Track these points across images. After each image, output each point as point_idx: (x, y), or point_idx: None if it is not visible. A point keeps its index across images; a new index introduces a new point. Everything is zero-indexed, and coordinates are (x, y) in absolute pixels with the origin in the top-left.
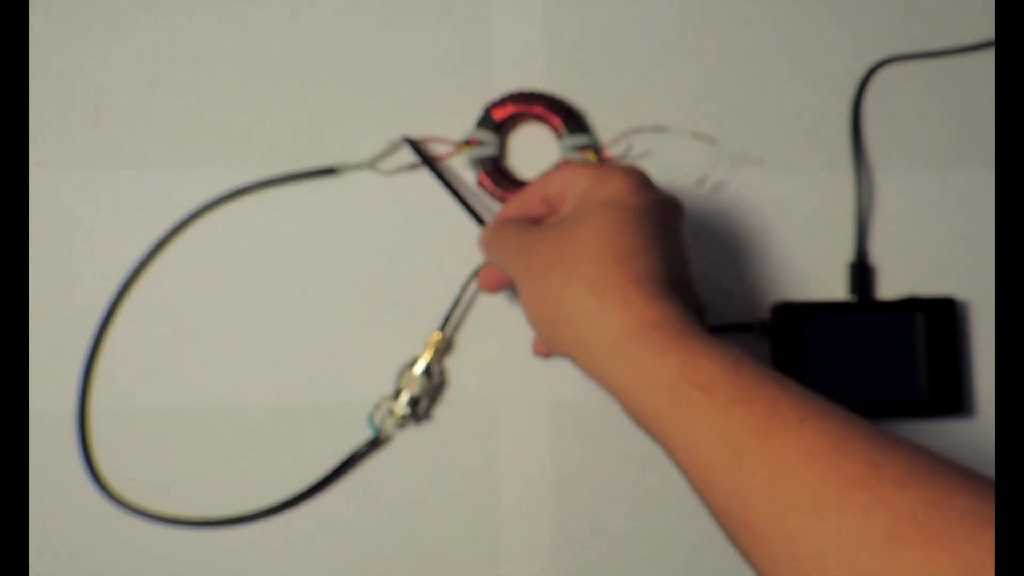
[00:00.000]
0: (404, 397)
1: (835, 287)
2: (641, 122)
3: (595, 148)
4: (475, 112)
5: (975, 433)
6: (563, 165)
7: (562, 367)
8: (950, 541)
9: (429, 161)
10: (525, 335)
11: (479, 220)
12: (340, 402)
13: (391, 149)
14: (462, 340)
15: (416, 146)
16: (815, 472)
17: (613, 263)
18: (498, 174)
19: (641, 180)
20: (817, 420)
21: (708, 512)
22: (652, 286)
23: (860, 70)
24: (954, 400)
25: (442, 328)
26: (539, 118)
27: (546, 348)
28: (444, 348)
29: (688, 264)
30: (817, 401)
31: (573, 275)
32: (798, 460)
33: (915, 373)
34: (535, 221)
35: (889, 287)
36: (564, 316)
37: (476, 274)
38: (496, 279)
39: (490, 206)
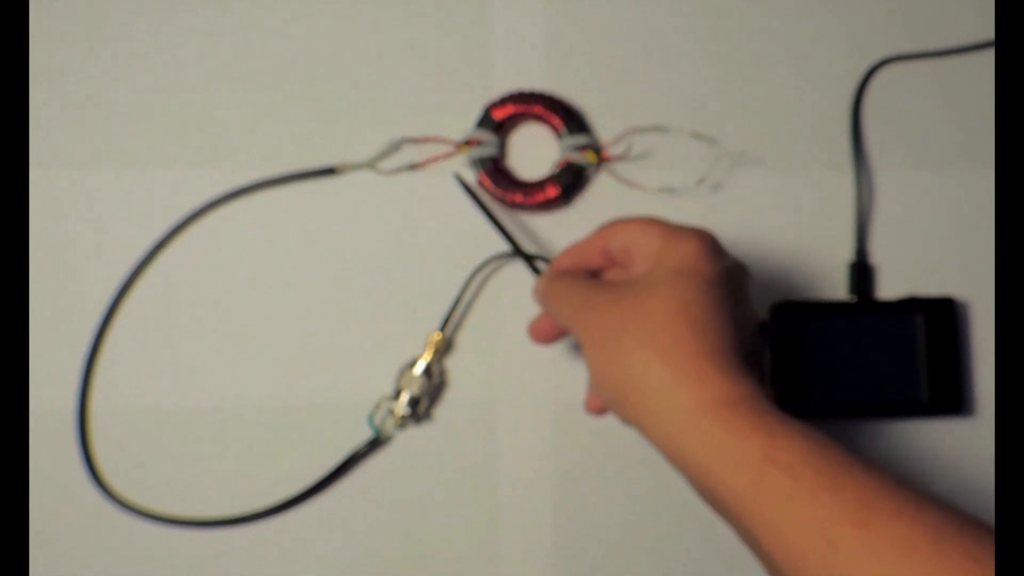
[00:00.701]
0: (404, 397)
1: (835, 287)
2: (641, 122)
3: (595, 148)
4: (475, 112)
5: (975, 433)
6: (627, 221)
7: (562, 367)
8: None
9: (475, 196)
10: (525, 335)
11: (533, 268)
12: (340, 402)
13: (391, 149)
14: (462, 340)
15: (466, 186)
16: (917, 566)
17: (688, 334)
18: (498, 174)
19: (712, 245)
20: (913, 510)
21: None
22: (728, 359)
23: (860, 70)
24: (954, 400)
25: (442, 328)
26: (539, 118)
27: (611, 412)
28: (444, 348)
29: (756, 330)
30: (907, 490)
31: (645, 344)
32: (897, 554)
33: (915, 373)
34: (592, 273)
35: (889, 287)
36: (634, 385)
37: (529, 326)
38: (550, 331)
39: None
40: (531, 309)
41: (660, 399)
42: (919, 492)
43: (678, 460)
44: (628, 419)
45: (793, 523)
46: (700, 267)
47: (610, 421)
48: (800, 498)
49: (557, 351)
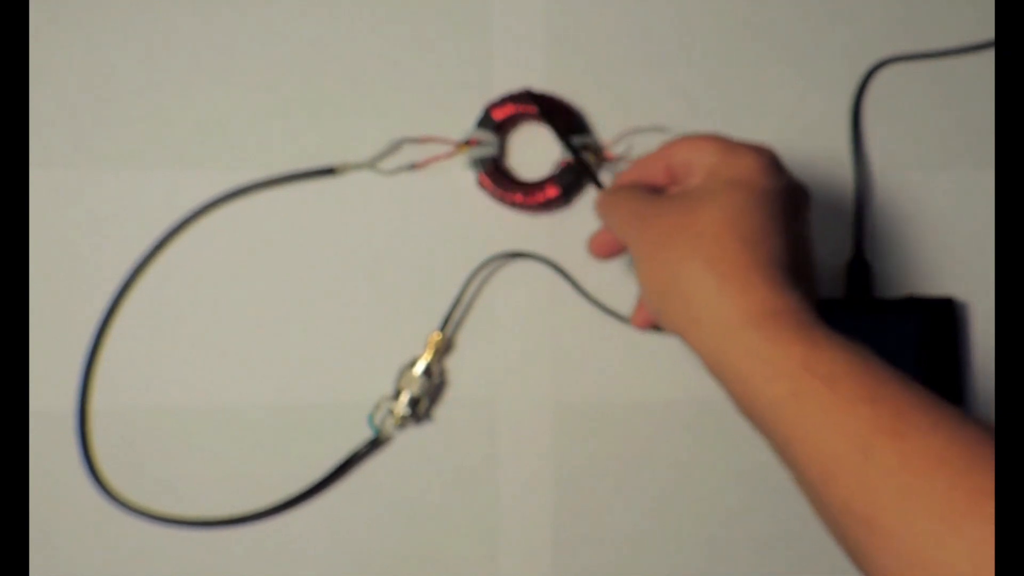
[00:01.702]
0: (404, 397)
1: (834, 287)
2: (641, 122)
3: (595, 148)
4: (475, 112)
5: None
6: (689, 136)
7: (562, 368)
8: None
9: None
10: (525, 335)
11: (597, 183)
12: (340, 402)
13: (391, 149)
14: (462, 340)
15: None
16: (946, 478)
17: (738, 245)
18: (498, 174)
19: (772, 161)
20: (949, 426)
21: (819, 507)
22: (776, 272)
23: (860, 70)
24: (953, 400)
25: (442, 328)
26: (539, 118)
27: (655, 321)
28: (444, 348)
29: (812, 254)
30: (945, 407)
31: (695, 252)
32: (929, 464)
33: (914, 373)
34: (655, 190)
35: (888, 287)
36: (681, 292)
37: (589, 239)
38: (608, 245)
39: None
40: (531, 309)
41: (703, 307)
42: (957, 410)
43: (718, 369)
44: (672, 327)
45: (829, 431)
46: (757, 181)
47: (610, 421)
48: (837, 408)
49: (556, 351)
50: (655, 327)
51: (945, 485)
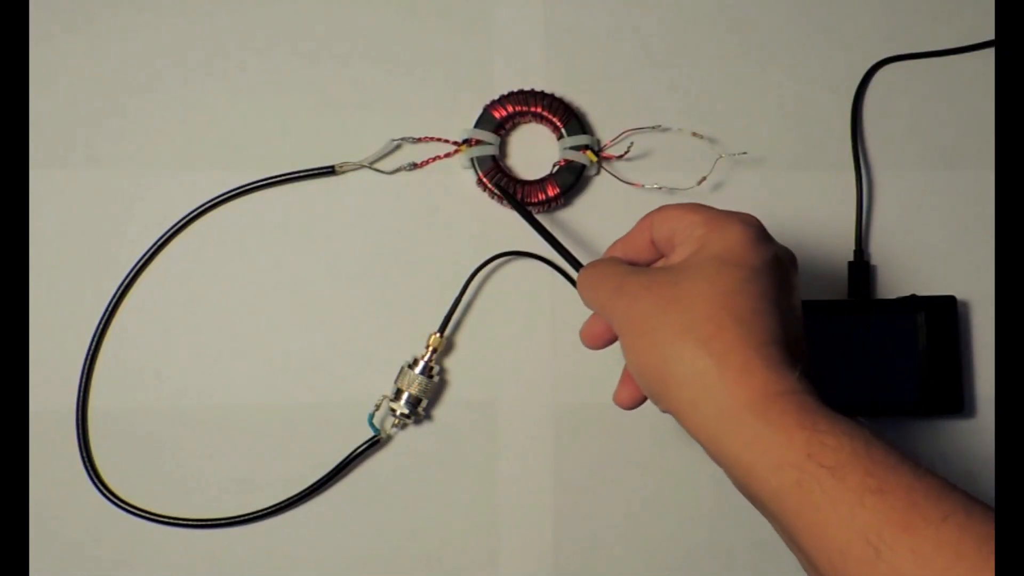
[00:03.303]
0: (404, 397)
1: (835, 287)
2: (641, 122)
3: (595, 148)
4: (475, 112)
5: (974, 432)
6: (670, 207)
7: (562, 368)
8: None
9: (511, 197)
10: (525, 335)
11: (574, 263)
12: (340, 402)
13: (391, 149)
14: (462, 340)
15: (504, 189)
16: (963, 574)
17: (733, 325)
18: (498, 174)
19: (759, 232)
20: (961, 516)
21: None
22: (773, 352)
23: (860, 70)
24: (953, 399)
25: (442, 329)
26: (539, 118)
27: (651, 401)
28: (444, 348)
29: (801, 323)
30: (956, 493)
31: (686, 333)
32: (944, 560)
33: (915, 372)
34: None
35: (889, 287)
36: (676, 375)
37: (580, 330)
38: (600, 334)
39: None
40: (531, 309)
41: (700, 391)
42: (967, 496)
43: (717, 454)
44: (667, 409)
45: (836, 525)
46: (746, 256)
47: (610, 422)
48: (844, 500)
49: (555, 351)
50: (640, 404)
51: None
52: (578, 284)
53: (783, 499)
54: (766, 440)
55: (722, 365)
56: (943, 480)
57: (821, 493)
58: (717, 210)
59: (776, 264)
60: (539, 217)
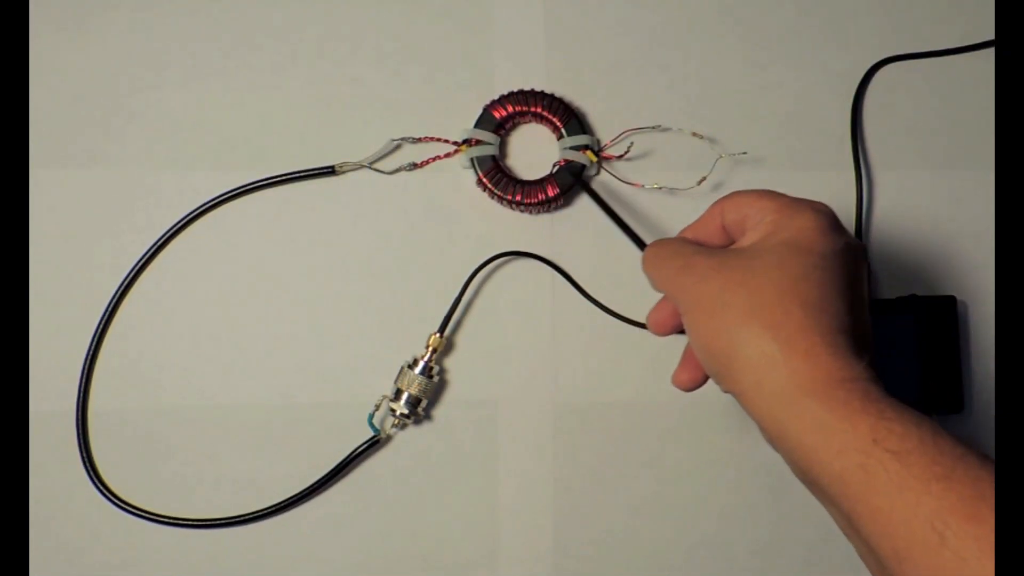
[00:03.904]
0: (404, 397)
1: None
2: (641, 122)
3: (595, 148)
4: (475, 112)
5: (973, 432)
6: (743, 192)
7: (562, 368)
8: None
9: (587, 186)
10: (525, 335)
11: (638, 241)
12: (340, 402)
13: (391, 148)
14: (462, 340)
15: (579, 178)
16: None
17: (800, 311)
18: (498, 174)
19: (831, 220)
20: None
21: None
22: (839, 339)
23: (860, 70)
24: (953, 399)
25: (442, 329)
26: (539, 118)
27: (714, 381)
28: (444, 348)
29: (868, 314)
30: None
31: (754, 316)
32: None
33: (915, 372)
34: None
35: (889, 287)
36: (740, 356)
37: (646, 318)
38: (666, 321)
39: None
40: (531, 309)
41: (765, 373)
42: None
43: (779, 438)
44: (729, 390)
45: (901, 510)
46: (816, 241)
47: (610, 422)
48: (910, 486)
49: (555, 351)
50: (699, 386)
51: None
52: (644, 260)
53: (847, 484)
54: (830, 425)
55: (788, 350)
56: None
57: (886, 478)
58: (789, 197)
59: (846, 253)
60: (539, 217)
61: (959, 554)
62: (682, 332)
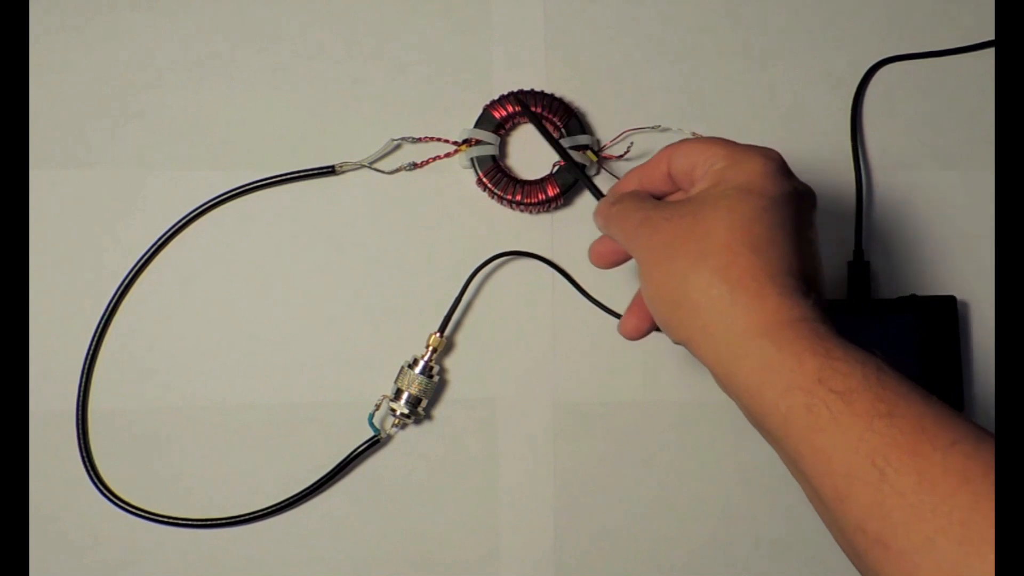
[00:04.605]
0: (404, 397)
1: (835, 286)
2: (641, 122)
3: (595, 148)
4: (475, 112)
5: None
6: (690, 140)
7: (562, 367)
8: None
9: (532, 115)
10: (525, 335)
11: (596, 193)
12: (340, 402)
13: (391, 148)
14: (462, 340)
15: (530, 112)
16: (968, 498)
17: (749, 253)
18: (498, 174)
19: (779, 165)
20: (970, 444)
21: (832, 524)
22: (788, 280)
23: (860, 70)
24: (953, 399)
25: (442, 329)
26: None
27: (661, 329)
28: (444, 348)
29: (819, 258)
30: (966, 423)
31: (703, 261)
32: (949, 484)
33: (915, 373)
34: (656, 198)
35: (889, 287)
36: (690, 301)
37: (590, 248)
38: (610, 254)
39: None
40: (531, 309)
41: (714, 317)
42: (976, 426)
43: (728, 381)
44: (679, 338)
45: (842, 448)
46: (765, 186)
47: (610, 421)
48: (853, 424)
49: (555, 351)
50: (643, 335)
51: (967, 506)
52: (598, 214)
53: (791, 423)
54: (777, 364)
55: (735, 291)
56: (952, 409)
57: (830, 417)
58: (738, 143)
59: (795, 197)
60: (539, 217)
61: (897, 488)
62: (618, 263)
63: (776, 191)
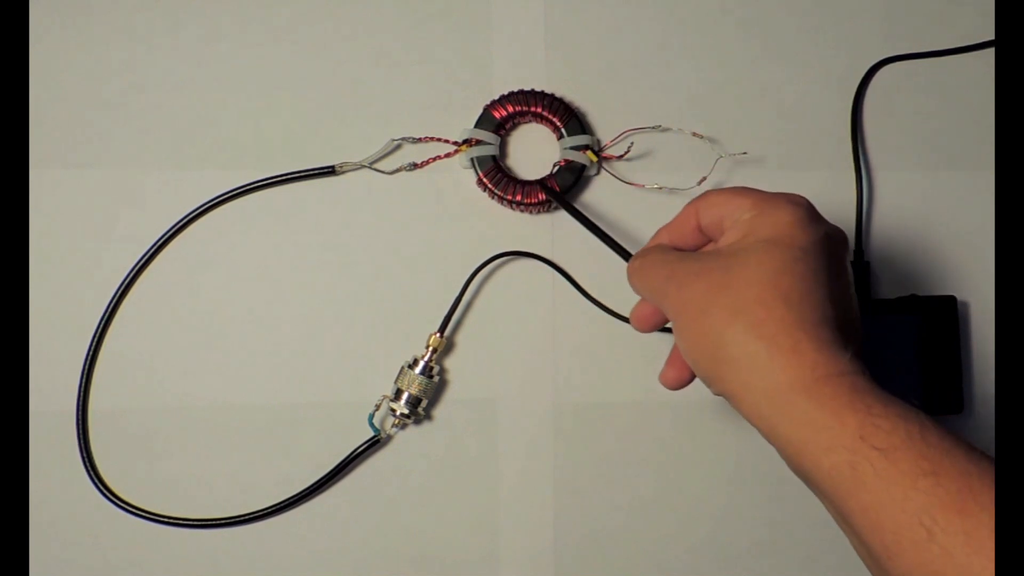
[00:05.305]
0: (404, 397)
1: None
2: (641, 122)
3: (595, 148)
4: (475, 112)
5: (974, 432)
6: (717, 191)
7: (562, 368)
8: None
9: (562, 199)
10: (525, 335)
11: (622, 253)
12: (340, 402)
13: (391, 149)
14: (462, 340)
15: (549, 189)
16: None
17: (782, 307)
18: (498, 174)
19: (808, 212)
20: None
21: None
22: (823, 332)
23: (860, 70)
24: (953, 399)
25: (442, 329)
26: (539, 118)
27: (704, 384)
28: (444, 348)
29: (855, 302)
30: None
31: (737, 317)
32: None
33: (915, 372)
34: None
35: (889, 287)
36: (729, 357)
37: (630, 314)
38: (649, 318)
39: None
40: (531, 309)
41: (753, 374)
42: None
43: (771, 435)
44: (720, 391)
45: (889, 507)
46: (794, 235)
47: (610, 422)
48: (898, 482)
49: (555, 351)
50: (685, 386)
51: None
52: (629, 273)
53: (837, 481)
54: (818, 422)
55: (772, 347)
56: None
57: (874, 475)
58: (765, 192)
59: (826, 244)
60: (539, 217)
61: (946, 549)
62: (665, 330)
63: (806, 240)
